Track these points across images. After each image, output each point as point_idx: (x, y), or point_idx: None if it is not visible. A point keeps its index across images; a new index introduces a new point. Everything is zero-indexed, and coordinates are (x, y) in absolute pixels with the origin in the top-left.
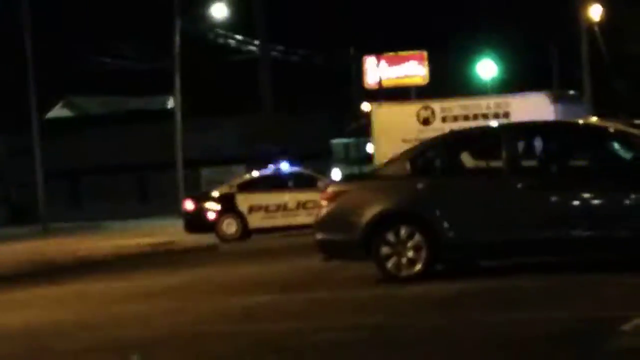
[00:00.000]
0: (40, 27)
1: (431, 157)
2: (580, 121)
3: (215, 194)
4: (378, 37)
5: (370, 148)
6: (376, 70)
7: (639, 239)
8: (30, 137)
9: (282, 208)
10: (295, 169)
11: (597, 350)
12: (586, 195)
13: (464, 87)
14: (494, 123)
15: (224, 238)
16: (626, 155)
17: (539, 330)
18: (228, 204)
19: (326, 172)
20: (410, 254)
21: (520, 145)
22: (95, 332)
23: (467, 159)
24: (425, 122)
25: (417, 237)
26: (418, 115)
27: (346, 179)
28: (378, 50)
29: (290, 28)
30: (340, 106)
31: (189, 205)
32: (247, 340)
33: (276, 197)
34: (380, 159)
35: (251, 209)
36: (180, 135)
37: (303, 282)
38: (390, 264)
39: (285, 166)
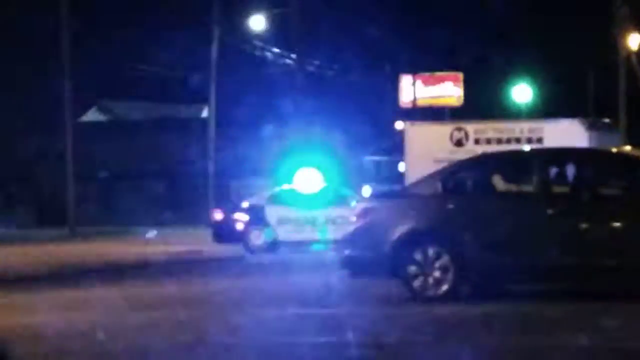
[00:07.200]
0: (77, 31)
1: (462, 178)
2: (614, 149)
3: (245, 204)
4: (414, 56)
5: (401, 167)
6: (411, 89)
7: None
8: (63, 140)
9: (312, 222)
10: (326, 183)
11: None
12: (616, 224)
13: (499, 110)
14: (526, 147)
15: (251, 249)
16: None
17: (569, 356)
18: (257, 215)
19: (357, 189)
20: (437, 274)
21: (552, 171)
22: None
23: (498, 182)
24: (458, 143)
25: (445, 258)
26: (451, 136)
27: (376, 196)
28: (413, 70)
29: (326, 42)
30: (374, 123)
31: (217, 215)
32: (259, 352)
33: (306, 211)
34: (411, 178)
35: (280, 221)
36: (213, 145)
37: (327, 297)
38: (416, 283)
39: (315, 180)
